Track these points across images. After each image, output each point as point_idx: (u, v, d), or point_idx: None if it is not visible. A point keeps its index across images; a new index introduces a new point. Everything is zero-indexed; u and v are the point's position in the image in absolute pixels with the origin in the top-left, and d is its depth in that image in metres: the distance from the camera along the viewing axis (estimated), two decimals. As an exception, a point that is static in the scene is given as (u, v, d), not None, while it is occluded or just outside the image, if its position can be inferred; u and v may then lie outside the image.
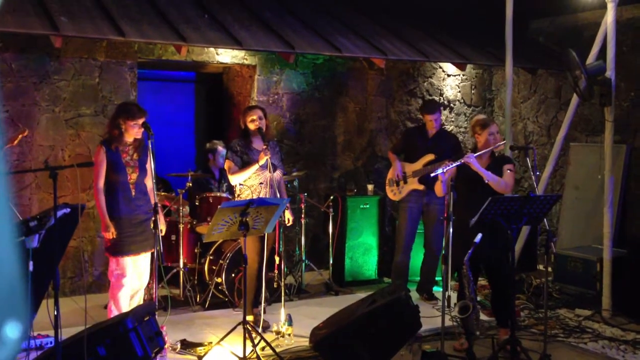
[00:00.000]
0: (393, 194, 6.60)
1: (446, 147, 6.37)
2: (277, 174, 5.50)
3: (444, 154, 6.19)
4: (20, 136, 5.07)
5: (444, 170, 4.98)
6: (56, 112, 6.39)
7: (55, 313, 3.49)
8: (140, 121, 4.94)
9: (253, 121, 5.48)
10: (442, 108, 6.73)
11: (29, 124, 6.25)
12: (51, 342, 4.47)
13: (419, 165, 6.41)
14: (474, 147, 5.31)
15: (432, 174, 5.19)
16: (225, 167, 5.53)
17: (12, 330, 0.78)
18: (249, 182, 5.45)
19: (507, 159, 5.16)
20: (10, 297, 0.79)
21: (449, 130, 8.30)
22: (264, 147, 5.31)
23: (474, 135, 5.32)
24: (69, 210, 3.64)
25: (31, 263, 3.22)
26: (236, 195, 5.60)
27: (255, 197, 5.36)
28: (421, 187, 6.37)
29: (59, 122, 6.42)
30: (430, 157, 6.34)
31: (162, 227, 5.09)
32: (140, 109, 5.02)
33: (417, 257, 6.73)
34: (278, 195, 5.44)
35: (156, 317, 4.39)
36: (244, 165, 5.43)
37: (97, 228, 6.53)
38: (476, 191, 4.90)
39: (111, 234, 4.87)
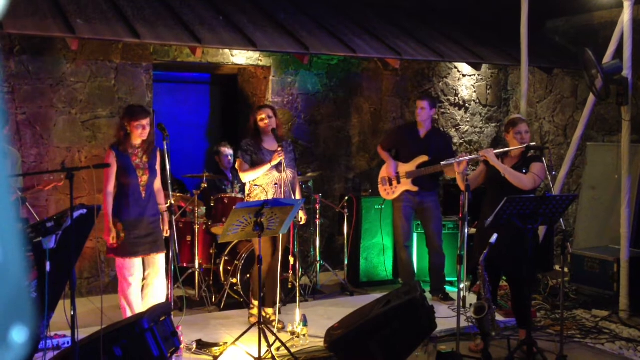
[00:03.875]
0: (386, 193, 6.56)
1: (438, 146, 6.34)
2: (289, 173, 5.51)
3: (437, 154, 6.18)
4: (53, 184, 5.11)
5: (457, 161, 4.97)
6: (73, 114, 6.45)
7: (72, 313, 3.52)
8: (144, 122, 4.96)
9: (262, 120, 5.51)
10: (435, 103, 6.64)
11: (46, 125, 6.31)
12: (68, 342, 4.51)
13: (412, 166, 6.37)
14: (505, 144, 5.31)
15: (443, 163, 5.23)
16: (237, 165, 5.57)
17: (19, 335, 0.78)
18: (259, 181, 5.48)
19: (537, 159, 5.10)
20: (16, 301, 0.79)
21: (466, 130, 8.28)
22: (279, 148, 5.34)
23: (504, 134, 5.33)
24: (85, 211, 3.66)
25: (48, 263, 3.25)
26: (246, 194, 5.62)
27: (263, 197, 5.40)
28: (415, 188, 6.35)
29: (76, 124, 6.47)
30: (423, 158, 6.32)
31: (166, 227, 5.13)
32: (144, 110, 5.08)
33: (424, 258, 6.73)
34: (290, 196, 5.45)
35: (172, 317, 4.41)
36: (253, 164, 5.45)
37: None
38: (504, 191, 4.84)
39: (112, 238, 4.90)
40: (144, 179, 5.02)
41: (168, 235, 5.11)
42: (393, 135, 6.84)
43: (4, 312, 0.77)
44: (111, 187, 4.96)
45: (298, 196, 5.58)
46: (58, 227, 3.35)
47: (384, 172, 6.58)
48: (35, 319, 0.81)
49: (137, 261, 5.03)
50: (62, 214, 3.49)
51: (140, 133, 4.97)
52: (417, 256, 7.02)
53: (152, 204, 5.08)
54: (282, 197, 5.40)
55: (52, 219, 3.37)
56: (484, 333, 4.83)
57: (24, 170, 5.67)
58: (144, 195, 5.02)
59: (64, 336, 4.75)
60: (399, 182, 6.45)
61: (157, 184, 5.15)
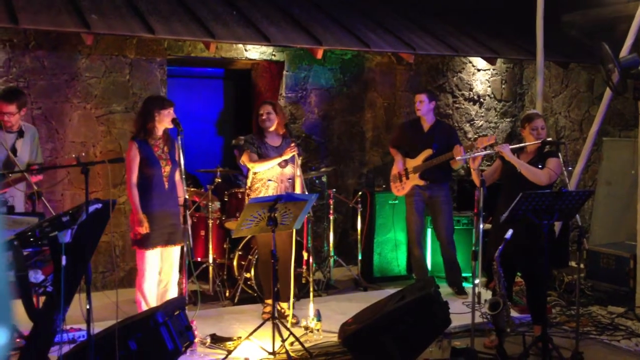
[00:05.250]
0: (397, 190, 6.62)
1: (442, 139, 6.33)
2: (290, 169, 5.54)
3: (442, 146, 6.19)
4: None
5: (471, 157, 4.95)
6: (87, 109, 6.47)
7: (88, 307, 3.54)
8: (172, 110, 5.05)
9: (260, 116, 5.57)
10: (434, 96, 6.64)
11: (61, 120, 6.35)
12: (83, 336, 4.53)
13: (418, 161, 6.39)
14: (520, 140, 5.28)
15: (458, 158, 5.23)
16: (244, 157, 5.58)
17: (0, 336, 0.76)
18: (260, 175, 5.51)
19: (553, 154, 5.06)
20: None
21: (480, 125, 8.23)
22: (293, 144, 5.43)
23: (520, 129, 5.30)
24: (100, 205, 3.67)
25: (64, 257, 3.26)
26: (247, 186, 5.63)
27: (264, 190, 5.45)
28: (422, 182, 6.37)
29: (91, 118, 6.50)
30: (428, 152, 6.32)
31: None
32: (169, 100, 5.19)
33: (439, 253, 6.72)
34: (290, 191, 5.51)
35: (186, 311, 4.43)
36: (260, 157, 5.50)
37: (127, 223, 6.60)
38: (519, 186, 4.80)
39: (145, 228, 4.92)
40: (166, 169, 5.06)
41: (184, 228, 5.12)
42: (398, 132, 6.86)
43: None
44: (134, 178, 4.99)
45: (298, 191, 5.60)
46: (73, 222, 3.36)
47: (394, 170, 6.64)
48: (11, 320, 0.79)
49: (155, 253, 5.04)
50: (77, 208, 3.50)
51: (168, 121, 5.02)
52: (432, 251, 7.01)
53: (174, 195, 5.10)
54: (284, 191, 5.46)
55: (67, 214, 3.38)
56: (498, 329, 4.81)
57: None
58: (166, 186, 5.06)
59: (80, 330, 4.78)
60: (407, 178, 6.47)
61: (178, 175, 5.18)
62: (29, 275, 3.22)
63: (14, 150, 4.90)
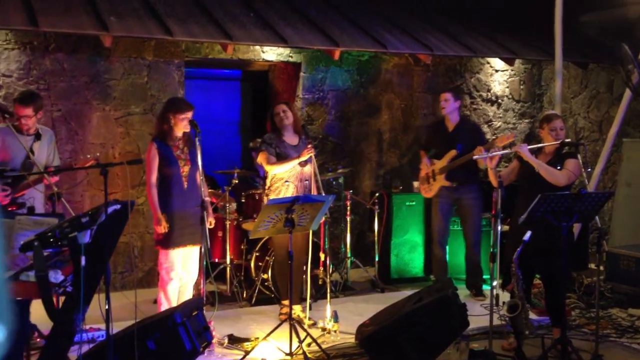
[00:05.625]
0: (425, 191, 6.64)
1: (467, 139, 6.29)
2: (308, 168, 5.55)
3: (467, 145, 6.16)
4: (89, 162, 5.20)
5: (489, 156, 4.92)
6: (106, 111, 6.53)
7: (107, 307, 3.56)
8: (189, 114, 5.04)
9: (277, 115, 5.59)
10: (459, 95, 6.64)
11: (80, 122, 6.40)
12: (103, 335, 4.56)
13: (443, 162, 6.39)
14: (539, 141, 5.25)
15: (475, 157, 5.22)
16: (262, 158, 5.58)
17: None
18: (279, 174, 5.52)
19: (572, 155, 5.01)
20: None
21: (498, 126, 8.18)
22: (310, 145, 5.43)
23: (539, 130, 5.27)
24: (119, 206, 3.69)
25: (83, 258, 3.29)
26: (266, 187, 5.63)
27: (284, 190, 5.45)
28: (448, 183, 6.36)
29: (109, 120, 6.55)
30: (452, 153, 6.29)
31: (212, 219, 5.17)
32: (188, 103, 5.16)
33: (457, 255, 6.69)
34: (310, 189, 5.52)
35: (204, 312, 4.45)
36: (277, 158, 5.49)
37: (146, 224, 6.65)
38: (537, 187, 4.77)
39: (163, 227, 4.95)
40: (185, 169, 5.08)
41: (211, 227, 5.14)
42: (425, 134, 6.93)
43: None
44: (154, 178, 5.02)
45: (314, 190, 5.61)
46: (93, 222, 3.38)
47: (422, 172, 6.66)
48: (8, 318, 0.79)
49: (178, 253, 5.06)
50: (96, 209, 3.53)
51: (184, 125, 5.03)
52: (450, 252, 6.97)
53: (194, 195, 5.11)
54: (303, 190, 5.47)
55: (86, 214, 3.40)
56: (517, 331, 4.78)
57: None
58: (186, 186, 5.08)
59: (99, 329, 4.81)
60: (434, 179, 6.47)
61: (200, 175, 5.20)
62: (49, 275, 3.24)
63: (30, 152, 4.94)
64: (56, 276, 3.36)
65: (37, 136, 4.98)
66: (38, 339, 4.75)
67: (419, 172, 6.73)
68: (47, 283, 3.22)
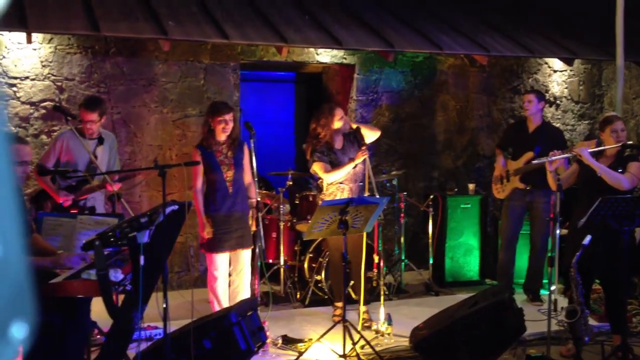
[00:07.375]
0: (497, 192, 6.51)
1: (546, 142, 6.11)
2: (359, 167, 5.52)
3: (546, 149, 5.98)
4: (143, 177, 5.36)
5: (549, 160, 4.83)
6: (164, 113, 6.66)
7: (164, 306, 3.63)
8: (227, 117, 5.06)
9: (337, 120, 5.48)
10: (544, 96, 6.49)
11: (139, 124, 6.55)
12: (160, 334, 4.65)
13: (519, 163, 6.26)
14: (599, 144, 5.11)
15: (535, 162, 5.12)
16: (317, 167, 5.47)
17: (19, 331, 0.78)
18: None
19: (634, 158, 4.87)
20: (17, 297, 0.79)
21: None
22: (364, 147, 5.37)
23: (599, 132, 5.14)
24: (176, 207, 3.77)
25: (142, 257, 3.36)
26: (322, 193, 5.61)
27: (339, 193, 5.43)
28: (522, 185, 6.23)
29: (167, 122, 6.68)
30: (529, 155, 6.15)
31: (252, 222, 5.20)
32: (226, 105, 5.20)
33: (523, 258, 6.55)
34: (363, 189, 5.48)
35: (258, 312, 4.49)
36: (331, 164, 5.45)
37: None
38: (598, 191, 4.65)
39: (207, 232, 5.03)
40: (229, 174, 5.12)
41: (255, 230, 5.19)
42: (505, 133, 6.82)
43: (3, 307, 0.77)
44: (199, 184, 5.10)
45: (367, 194, 5.58)
46: (151, 223, 3.46)
47: (495, 171, 6.57)
48: (33, 314, 0.80)
49: (224, 256, 5.13)
50: (154, 209, 3.60)
51: (223, 128, 5.07)
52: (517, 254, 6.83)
53: (240, 199, 5.16)
54: (358, 192, 5.45)
55: (145, 215, 3.48)
56: (576, 338, 4.66)
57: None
58: (230, 190, 5.12)
59: (156, 328, 4.91)
60: (508, 180, 6.37)
61: (248, 178, 5.24)
62: (109, 274, 3.33)
63: (93, 157, 5.06)
64: (116, 275, 3.44)
65: (100, 140, 5.09)
66: (98, 336, 4.87)
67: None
68: (108, 281, 3.30)
